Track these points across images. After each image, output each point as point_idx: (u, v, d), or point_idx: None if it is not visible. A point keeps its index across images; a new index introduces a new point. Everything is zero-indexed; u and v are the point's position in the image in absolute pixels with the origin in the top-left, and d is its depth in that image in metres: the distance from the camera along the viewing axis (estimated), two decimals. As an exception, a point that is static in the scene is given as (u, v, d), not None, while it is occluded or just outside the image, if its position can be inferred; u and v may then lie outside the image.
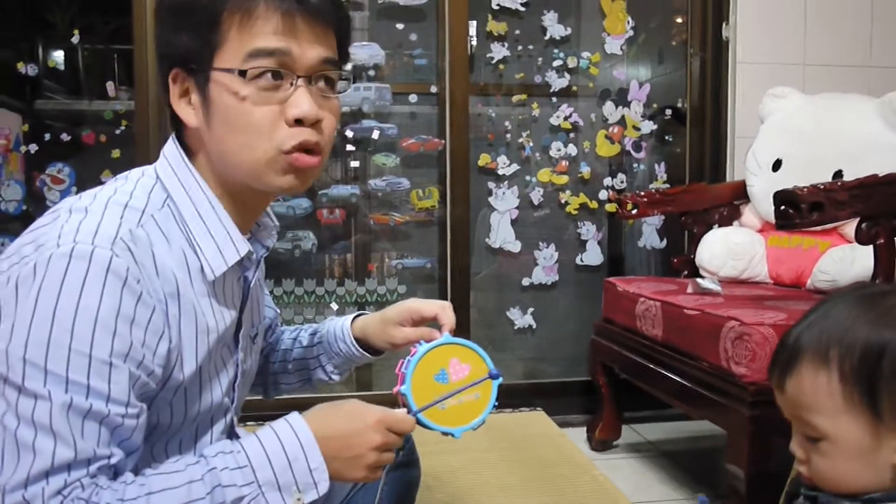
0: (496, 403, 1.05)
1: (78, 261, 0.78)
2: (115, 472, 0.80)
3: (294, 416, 0.89)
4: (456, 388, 1.01)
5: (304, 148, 0.90)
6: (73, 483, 0.75)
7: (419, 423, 0.99)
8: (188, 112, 0.92)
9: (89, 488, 0.76)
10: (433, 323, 1.14)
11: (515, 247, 2.68)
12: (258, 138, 0.89)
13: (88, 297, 0.77)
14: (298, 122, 0.89)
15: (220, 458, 0.83)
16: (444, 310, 1.14)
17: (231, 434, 1.04)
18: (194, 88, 0.90)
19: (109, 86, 2.48)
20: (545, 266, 2.70)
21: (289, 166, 0.90)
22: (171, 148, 0.95)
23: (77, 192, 0.94)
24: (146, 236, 0.85)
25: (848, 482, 0.80)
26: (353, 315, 1.26)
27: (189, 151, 0.95)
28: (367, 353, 1.25)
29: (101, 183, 0.93)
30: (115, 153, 2.45)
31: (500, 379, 1.05)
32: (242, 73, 0.87)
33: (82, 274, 0.78)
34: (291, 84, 0.89)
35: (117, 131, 2.46)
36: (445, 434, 1.02)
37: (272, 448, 0.85)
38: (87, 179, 2.40)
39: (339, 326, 1.25)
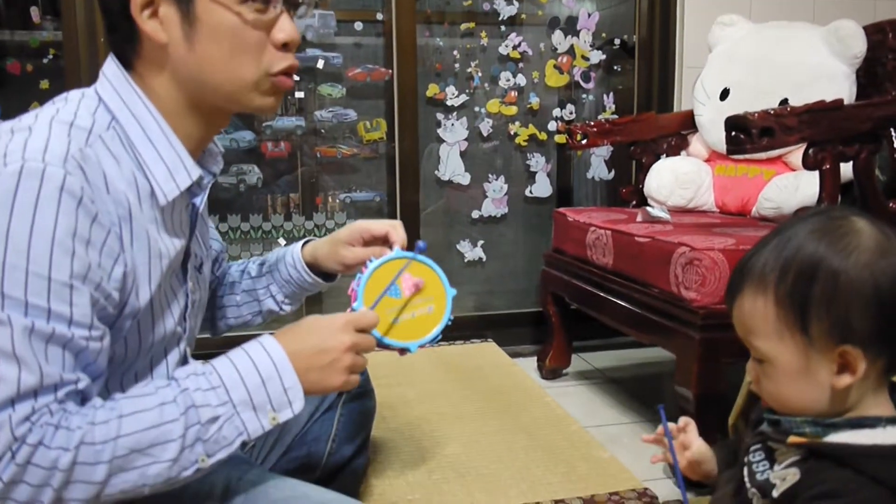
0: (451, 318, 1.05)
1: (29, 179, 0.74)
2: (82, 398, 0.78)
3: (265, 337, 0.89)
4: (408, 303, 1.01)
5: (292, 71, 0.92)
6: (41, 409, 0.73)
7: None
8: (153, 25, 0.86)
9: (58, 413, 0.74)
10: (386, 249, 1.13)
11: (465, 179, 2.66)
12: (250, 60, 0.88)
13: (43, 217, 0.74)
14: (284, 45, 0.89)
15: (192, 379, 0.83)
16: (394, 228, 1.14)
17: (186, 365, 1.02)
18: (169, 2, 0.85)
19: (34, 11, 2.33)
20: (494, 198, 2.69)
21: (272, 88, 0.91)
22: (112, 68, 0.89)
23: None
24: (95, 156, 0.82)
25: (791, 402, 0.82)
26: (303, 241, 1.24)
27: (133, 70, 0.90)
28: (318, 279, 1.23)
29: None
30: (44, 84, 2.32)
31: (454, 291, 1.06)
32: None
33: (34, 193, 0.74)
34: (274, 7, 0.88)
35: (45, 61, 2.33)
36: (402, 351, 1.02)
37: (245, 368, 0.84)
38: (13, 111, 2.26)
39: (289, 252, 1.24)
